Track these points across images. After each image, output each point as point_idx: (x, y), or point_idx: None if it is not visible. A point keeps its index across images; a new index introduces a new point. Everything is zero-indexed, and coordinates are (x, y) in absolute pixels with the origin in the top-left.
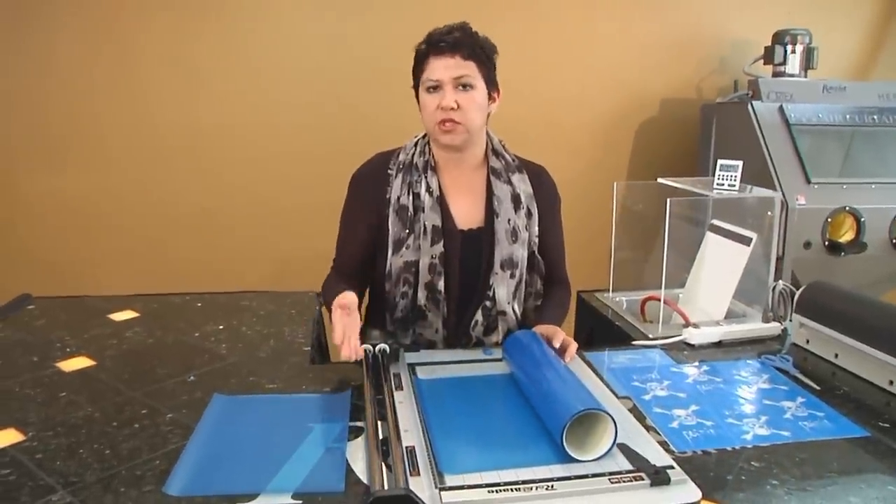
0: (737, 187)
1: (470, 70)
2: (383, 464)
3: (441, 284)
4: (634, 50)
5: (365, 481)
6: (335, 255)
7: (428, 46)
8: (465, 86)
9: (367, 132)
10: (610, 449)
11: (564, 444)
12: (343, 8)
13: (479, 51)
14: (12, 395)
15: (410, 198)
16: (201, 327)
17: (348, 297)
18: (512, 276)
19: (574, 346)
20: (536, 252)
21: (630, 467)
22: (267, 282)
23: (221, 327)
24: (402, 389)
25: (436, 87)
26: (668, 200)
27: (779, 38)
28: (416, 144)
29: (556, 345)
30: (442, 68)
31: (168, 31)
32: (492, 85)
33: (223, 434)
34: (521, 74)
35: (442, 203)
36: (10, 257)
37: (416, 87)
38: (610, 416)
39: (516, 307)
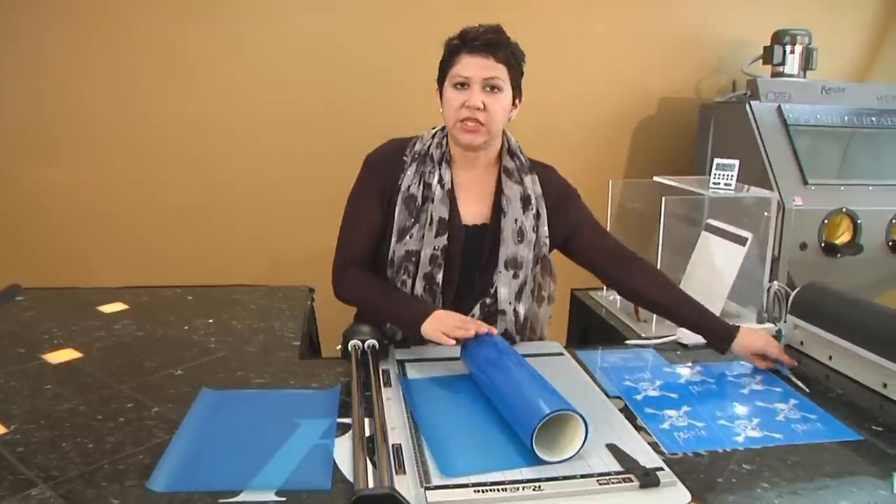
0: (733, 186)
1: (500, 73)
2: (369, 462)
3: (440, 277)
4: (633, 49)
5: (350, 479)
6: (340, 247)
7: (461, 43)
8: (493, 87)
9: (359, 130)
10: (583, 445)
11: (535, 447)
12: (338, 5)
13: (510, 56)
14: None
15: (421, 188)
16: (191, 321)
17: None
18: (515, 276)
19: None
20: (548, 253)
21: (619, 468)
22: (260, 277)
23: (211, 321)
24: (390, 386)
25: (464, 85)
26: (664, 199)
27: (778, 38)
28: (434, 136)
29: (777, 355)
30: (473, 66)
31: (161, 25)
32: (517, 91)
33: (209, 429)
34: None
35: (451, 197)
36: (1, 248)
37: (440, 80)
38: (579, 413)
39: (519, 308)
